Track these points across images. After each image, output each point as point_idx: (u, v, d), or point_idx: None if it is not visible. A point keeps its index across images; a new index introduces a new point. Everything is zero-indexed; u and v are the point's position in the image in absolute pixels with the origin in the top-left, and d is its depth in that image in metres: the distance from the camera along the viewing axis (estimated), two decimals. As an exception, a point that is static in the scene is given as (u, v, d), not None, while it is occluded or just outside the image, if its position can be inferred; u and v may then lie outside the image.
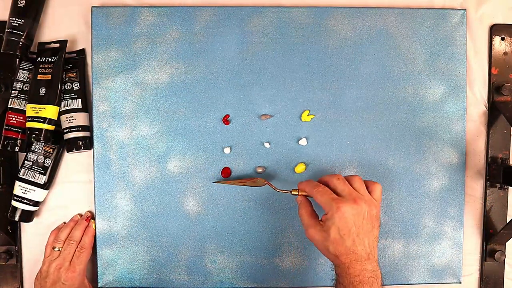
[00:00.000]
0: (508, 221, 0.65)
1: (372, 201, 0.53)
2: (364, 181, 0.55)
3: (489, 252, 0.68)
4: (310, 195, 0.56)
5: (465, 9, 0.66)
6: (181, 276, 0.65)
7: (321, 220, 0.54)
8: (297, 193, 0.58)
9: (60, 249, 0.62)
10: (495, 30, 0.67)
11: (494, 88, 0.68)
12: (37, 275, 0.62)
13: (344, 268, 0.51)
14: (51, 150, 0.64)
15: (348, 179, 0.55)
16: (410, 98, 0.65)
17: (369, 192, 0.54)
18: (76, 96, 0.63)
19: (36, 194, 0.63)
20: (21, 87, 0.62)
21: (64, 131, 0.63)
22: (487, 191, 0.68)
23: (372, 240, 0.53)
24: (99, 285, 0.64)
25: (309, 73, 0.65)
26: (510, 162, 0.68)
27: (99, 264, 0.64)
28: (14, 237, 0.65)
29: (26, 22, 0.61)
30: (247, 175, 0.64)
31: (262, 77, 0.64)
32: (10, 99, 0.62)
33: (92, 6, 0.63)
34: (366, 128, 0.65)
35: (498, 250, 0.68)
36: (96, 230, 0.64)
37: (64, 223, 0.65)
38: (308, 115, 0.65)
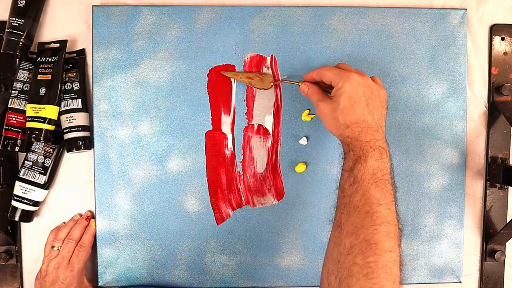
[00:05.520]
0: (508, 221, 0.65)
1: (377, 84, 0.54)
2: None
3: (489, 252, 0.68)
4: (317, 77, 0.56)
5: (465, 9, 0.66)
6: (181, 275, 0.65)
7: (331, 96, 0.54)
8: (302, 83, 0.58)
9: (59, 248, 0.62)
10: (495, 30, 0.68)
11: (494, 88, 0.68)
12: (37, 274, 0.61)
13: (354, 136, 0.51)
14: (51, 150, 0.64)
15: None
16: (410, 97, 0.66)
17: None
18: (76, 96, 0.63)
19: (36, 194, 0.63)
20: (21, 87, 0.62)
21: (64, 131, 0.63)
22: (487, 191, 0.68)
23: (381, 117, 0.53)
24: (99, 284, 0.64)
25: (309, 73, 0.65)
26: (510, 162, 0.68)
27: (99, 263, 0.64)
28: (14, 237, 0.65)
29: (26, 22, 0.61)
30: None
31: (263, 77, 0.64)
32: (10, 99, 0.62)
33: (93, 5, 0.63)
34: (366, 128, 0.65)
35: (498, 250, 0.68)
36: (96, 230, 0.64)
37: (64, 222, 0.65)
38: (308, 114, 0.64)
